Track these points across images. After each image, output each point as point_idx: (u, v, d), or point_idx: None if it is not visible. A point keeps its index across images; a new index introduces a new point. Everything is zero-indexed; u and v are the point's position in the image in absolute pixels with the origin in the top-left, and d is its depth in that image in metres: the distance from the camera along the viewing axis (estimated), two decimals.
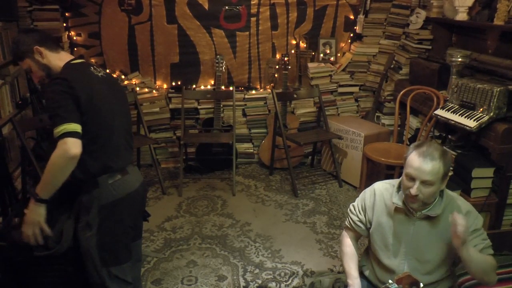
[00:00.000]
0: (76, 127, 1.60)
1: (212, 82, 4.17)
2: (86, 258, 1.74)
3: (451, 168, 2.77)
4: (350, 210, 1.93)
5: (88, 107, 1.65)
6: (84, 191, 1.73)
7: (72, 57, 1.84)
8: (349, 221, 1.92)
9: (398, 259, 1.76)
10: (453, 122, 2.82)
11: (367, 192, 1.87)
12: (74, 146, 1.58)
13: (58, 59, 1.79)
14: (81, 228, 1.73)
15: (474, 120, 2.66)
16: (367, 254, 1.97)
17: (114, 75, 4.05)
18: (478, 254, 1.62)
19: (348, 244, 1.90)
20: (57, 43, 1.82)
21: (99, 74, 1.80)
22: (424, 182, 1.60)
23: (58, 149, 1.58)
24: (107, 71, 1.93)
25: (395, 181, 1.81)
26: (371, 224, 1.84)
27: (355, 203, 1.92)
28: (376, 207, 1.82)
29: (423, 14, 3.76)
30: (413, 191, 1.61)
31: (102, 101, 1.72)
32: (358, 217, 1.87)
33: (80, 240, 1.73)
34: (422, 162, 1.59)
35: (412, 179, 1.62)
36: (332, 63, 4.25)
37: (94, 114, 1.68)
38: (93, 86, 1.71)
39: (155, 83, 4.16)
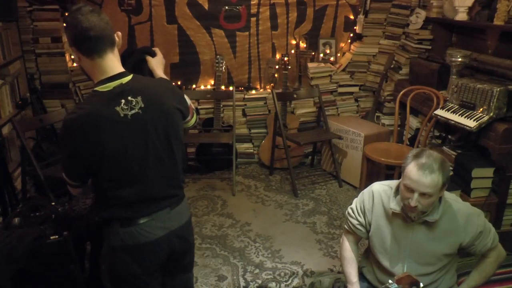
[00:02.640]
0: (75, 183, 1.53)
1: (212, 82, 4.17)
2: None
3: (451, 168, 2.77)
4: (348, 213, 1.91)
5: (94, 165, 1.44)
6: (101, 225, 1.60)
7: (109, 73, 1.44)
8: (349, 225, 1.90)
9: (397, 263, 1.76)
10: (453, 122, 2.82)
11: (366, 194, 1.85)
12: (72, 191, 1.58)
13: (92, 69, 1.45)
14: (100, 257, 1.65)
15: (474, 120, 2.66)
16: (366, 255, 1.97)
17: None
18: (475, 277, 1.77)
19: (347, 249, 1.89)
20: (92, 49, 1.41)
21: (130, 113, 1.42)
22: (423, 194, 1.58)
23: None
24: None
25: (393, 183, 1.79)
26: (370, 226, 1.83)
27: (353, 206, 1.90)
28: (375, 210, 1.81)
29: (423, 14, 3.76)
30: (413, 203, 1.58)
31: (120, 157, 1.43)
32: (357, 220, 1.86)
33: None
34: (421, 175, 1.56)
35: (411, 190, 1.59)
36: (332, 63, 4.24)
37: (102, 172, 1.45)
38: (108, 141, 1.40)
39: None
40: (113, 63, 1.46)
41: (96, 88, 1.44)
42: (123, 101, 1.42)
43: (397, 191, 1.73)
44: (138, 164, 1.47)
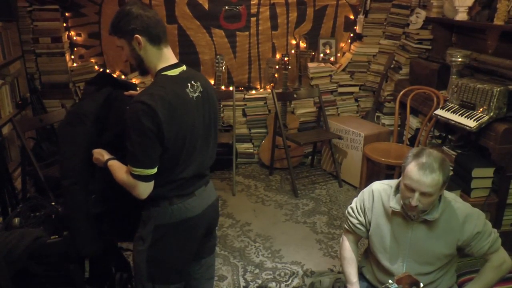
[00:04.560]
0: (152, 171, 1.48)
1: (212, 82, 4.17)
2: (135, 270, 1.70)
3: (451, 168, 2.77)
4: (348, 213, 1.91)
5: (171, 146, 1.48)
6: (144, 205, 1.64)
7: (172, 61, 1.57)
8: (349, 224, 1.90)
9: (397, 262, 1.76)
10: (453, 122, 2.82)
11: (366, 193, 1.85)
12: (144, 191, 1.51)
13: (156, 58, 1.55)
14: (135, 240, 1.67)
15: (474, 120, 2.66)
16: (366, 255, 1.97)
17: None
18: (473, 284, 1.73)
19: (347, 249, 1.89)
20: (162, 38, 1.55)
21: (195, 95, 1.55)
22: (423, 194, 1.58)
23: (129, 186, 1.51)
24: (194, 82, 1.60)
25: (393, 182, 1.79)
26: (370, 226, 1.83)
27: (353, 205, 1.90)
28: (374, 209, 1.81)
29: (423, 14, 3.76)
30: (413, 202, 1.58)
31: (189, 136, 1.53)
32: (358, 219, 1.86)
33: (133, 251, 1.69)
34: (421, 175, 1.56)
35: (411, 190, 1.59)
36: (332, 63, 4.24)
37: (174, 152, 1.51)
38: (184, 121, 1.49)
39: None
40: (172, 53, 1.60)
41: (165, 73, 1.54)
42: (189, 84, 1.56)
43: (397, 189, 1.73)
44: (199, 142, 1.60)
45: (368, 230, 1.85)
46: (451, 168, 2.78)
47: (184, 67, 1.60)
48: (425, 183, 1.55)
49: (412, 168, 1.59)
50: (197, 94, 1.57)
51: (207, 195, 1.72)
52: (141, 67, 1.59)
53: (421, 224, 1.70)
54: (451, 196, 1.75)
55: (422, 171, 1.56)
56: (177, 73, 1.55)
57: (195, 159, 1.59)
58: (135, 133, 1.43)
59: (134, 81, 4.01)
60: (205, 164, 1.68)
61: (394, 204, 1.71)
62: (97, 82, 1.75)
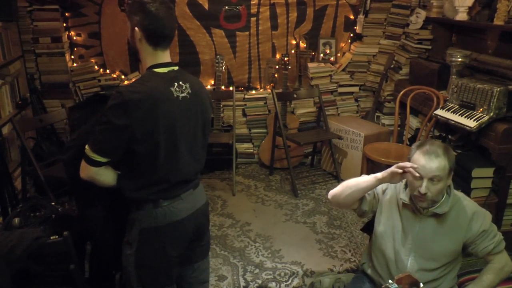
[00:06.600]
0: (98, 158, 1.48)
1: (212, 82, 4.17)
2: (124, 274, 1.69)
3: None
4: None
5: (146, 140, 1.47)
6: (130, 209, 1.63)
7: (164, 60, 1.58)
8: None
9: (402, 253, 1.78)
10: (453, 122, 2.82)
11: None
12: (85, 173, 1.52)
13: (150, 56, 1.56)
14: (124, 243, 1.66)
15: (474, 120, 2.66)
16: (368, 253, 1.98)
17: (110, 79, 4.04)
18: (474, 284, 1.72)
19: (348, 180, 1.86)
20: (160, 43, 1.54)
21: (181, 95, 1.55)
22: (431, 179, 1.61)
23: (81, 165, 1.53)
24: (183, 83, 1.59)
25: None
26: (375, 212, 1.86)
27: None
28: (386, 197, 1.84)
29: (423, 14, 3.77)
30: (422, 189, 1.62)
31: (168, 133, 1.51)
32: (367, 195, 1.86)
33: (122, 255, 1.68)
34: (427, 160, 1.61)
35: (419, 178, 1.63)
36: (332, 63, 4.24)
37: (150, 148, 1.49)
38: (163, 117, 1.48)
39: None
40: (167, 55, 1.60)
41: (154, 69, 1.56)
42: (176, 84, 1.56)
43: (406, 184, 1.77)
44: (183, 145, 1.58)
45: (365, 212, 1.87)
46: None
47: (175, 68, 1.60)
48: (432, 167, 1.60)
49: (417, 157, 1.64)
50: (183, 94, 1.56)
51: (195, 198, 1.70)
52: (136, 56, 1.62)
53: (430, 219, 1.73)
54: (460, 194, 1.79)
55: (427, 156, 1.62)
56: (166, 71, 1.56)
57: (180, 163, 1.57)
58: (102, 119, 1.46)
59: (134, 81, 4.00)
60: (192, 169, 1.64)
61: (404, 196, 1.75)
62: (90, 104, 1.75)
